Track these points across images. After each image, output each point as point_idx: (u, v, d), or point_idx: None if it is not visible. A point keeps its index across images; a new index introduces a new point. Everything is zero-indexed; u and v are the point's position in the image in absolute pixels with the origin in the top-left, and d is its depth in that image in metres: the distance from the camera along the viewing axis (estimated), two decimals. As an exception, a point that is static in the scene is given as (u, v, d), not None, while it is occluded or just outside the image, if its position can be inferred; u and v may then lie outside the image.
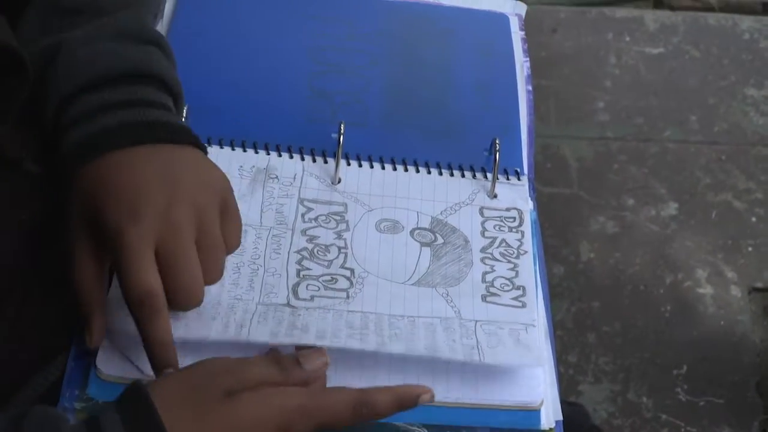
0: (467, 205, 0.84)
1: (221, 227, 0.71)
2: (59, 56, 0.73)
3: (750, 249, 1.91)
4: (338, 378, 0.70)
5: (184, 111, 0.81)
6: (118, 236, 0.65)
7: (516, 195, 0.85)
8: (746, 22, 2.30)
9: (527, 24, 1.00)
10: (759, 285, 1.86)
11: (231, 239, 0.72)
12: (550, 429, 0.72)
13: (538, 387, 0.73)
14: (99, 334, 0.69)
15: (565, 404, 0.75)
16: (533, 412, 0.72)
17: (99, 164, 0.68)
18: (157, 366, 0.66)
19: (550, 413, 0.73)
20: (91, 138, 0.70)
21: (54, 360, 0.70)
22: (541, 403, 0.72)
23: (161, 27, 0.91)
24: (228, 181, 0.73)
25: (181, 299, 0.67)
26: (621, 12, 2.28)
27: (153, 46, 0.76)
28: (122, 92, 0.72)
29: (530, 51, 0.97)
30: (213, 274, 0.69)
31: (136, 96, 0.72)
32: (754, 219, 1.96)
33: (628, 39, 2.23)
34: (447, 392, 0.72)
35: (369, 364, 0.72)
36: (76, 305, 0.69)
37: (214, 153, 0.82)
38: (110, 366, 0.69)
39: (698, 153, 2.05)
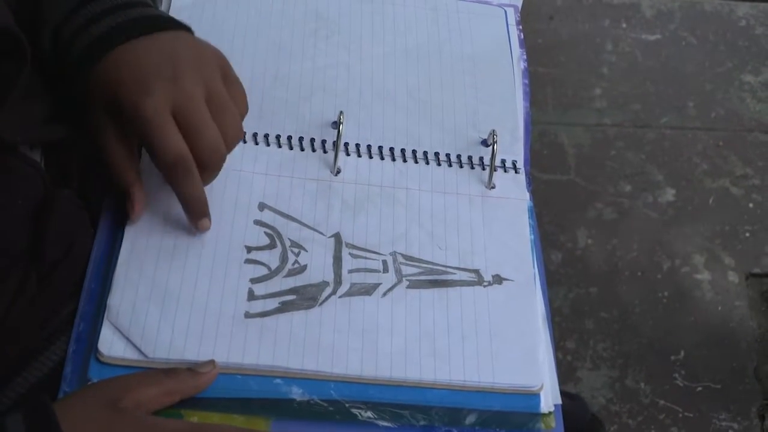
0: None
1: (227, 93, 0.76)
2: None
3: (747, 235, 1.91)
4: (339, 350, 0.72)
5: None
6: (136, 110, 0.70)
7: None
8: (742, 8, 2.30)
9: (524, 11, 1.00)
10: (756, 270, 1.87)
11: (239, 103, 0.77)
12: (549, 412, 0.73)
13: (538, 371, 0.74)
14: (140, 204, 0.76)
15: (565, 396, 0.76)
16: (533, 396, 0.73)
17: (105, 62, 0.72)
18: (194, 217, 0.75)
19: (549, 397, 0.74)
20: (91, 45, 0.74)
21: (51, 346, 0.70)
22: (541, 387, 0.73)
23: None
24: (223, 55, 0.78)
25: (207, 157, 0.72)
26: (618, -1, 2.29)
27: None
28: (104, 2, 0.76)
29: (527, 38, 0.97)
30: (232, 135, 0.75)
31: (118, 2, 0.76)
32: (751, 205, 1.96)
33: (624, 26, 2.24)
34: (449, 375, 0.72)
35: (371, 340, 0.74)
36: (116, 184, 0.75)
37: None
38: (111, 349, 0.69)
39: (695, 139, 2.05)
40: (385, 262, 0.78)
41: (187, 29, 0.78)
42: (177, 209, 0.76)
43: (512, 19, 0.98)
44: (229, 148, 0.74)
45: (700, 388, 1.72)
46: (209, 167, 0.73)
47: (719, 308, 1.82)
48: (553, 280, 1.80)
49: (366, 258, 0.78)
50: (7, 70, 0.68)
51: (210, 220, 0.76)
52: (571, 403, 1.46)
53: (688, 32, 2.24)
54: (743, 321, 1.81)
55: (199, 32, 0.89)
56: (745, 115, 2.11)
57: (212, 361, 0.70)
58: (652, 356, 1.75)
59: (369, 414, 0.70)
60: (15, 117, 0.70)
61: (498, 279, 0.79)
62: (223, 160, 0.74)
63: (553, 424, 0.72)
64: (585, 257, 1.86)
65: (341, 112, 0.83)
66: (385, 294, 0.76)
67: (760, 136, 2.07)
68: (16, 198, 0.69)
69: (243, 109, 0.78)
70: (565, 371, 1.71)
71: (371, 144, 0.85)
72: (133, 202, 0.75)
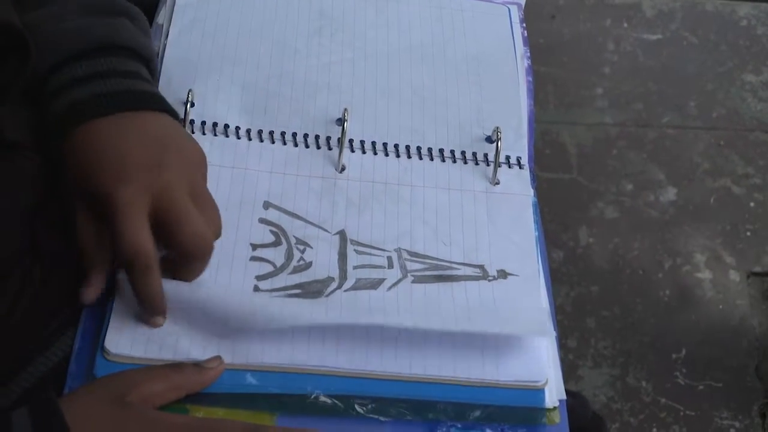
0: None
1: None
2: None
3: (748, 234, 1.92)
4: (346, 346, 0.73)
5: (189, 96, 0.83)
6: (108, 200, 0.66)
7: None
8: (744, 8, 2.31)
9: (525, 10, 1.00)
10: (757, 269, 1.87)
11: None
12: (554, 407, 0.73)
13: (543, 366, 0.74)
14: (94, 291, 0.70)
15: (567, 395, 0.76)
16: (537, 391, 0.73)
17: (79, 134, 0.69)
18: (148, 314, 0.70)
19: (554, 392, 0.74)
20: (66, 112, 0.70)
21: (56, 342, 0.70)
22: (546, 383, 0.73)
23: (163, 18, 0.91)
24: (205, 156, 0.74)
25: (191, 247, 0.68)
26: (619, -2, 2.29)
27: (122, 17, 0.77)
28: (91, 65, 0.72)
29: (529, 37, 0.97)
30: (214, 231, 0.71)
31: (106, 67, 0.73)
32: (752, 204, 1.96)
33: (626, 25, 2.24)
34: (454, 370, 0.73)
35: (376, 335, 0.74)
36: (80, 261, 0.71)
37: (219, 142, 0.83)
38: (118, 346, 0.69)
39: (697, 138, 2.05)
40: (390, 258, 0.79)
41: (174, 114, 0.75)
42: None
43: (516, 16, 0.98)
44: (215, 238, 0.71)
45: (701, 387, 1.72)
46: (195, 257, 0.70)
47: (720, 307, 1.82)
48: (554, 278, 1.80)
49: (371, 254, 0.79)
50: (12, 66, 0.68)
51: (165, 317, 0.71)
52: (572, 401, 1.45)
53: (690, 32, 2.24)
54: (744, 320, 1.81)
55: (204, 29, 0.90)
56: (747, 114, 2.11)
57: (218, 357, 0.70)
58: (653, 354, 1.75)
59: (373, 409, 0.70)
60: (16, 115, 0.70)
61: (503, 274, 0.79)
62: (209, 252, 0.70)
63: (558, 419, 0.72)
64: (586, 256, 1.86)
65: (345, 109, 0.83)
66: (390, 289, 0.77)
67: (761, 135, 2.08)
68: (17, 194, 0.69)
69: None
70: (566, 369, 1.71)
71: (376, 141, 0.86)
72: (86, 286, 0.70)
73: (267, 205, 0.80)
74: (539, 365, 0.74)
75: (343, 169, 0.83)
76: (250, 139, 0.83)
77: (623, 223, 1.91)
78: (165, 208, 0.67)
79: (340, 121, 0.84)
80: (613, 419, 1.68)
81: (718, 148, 2.04)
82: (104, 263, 0.71)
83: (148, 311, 0.70)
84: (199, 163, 0.73)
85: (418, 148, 0.86)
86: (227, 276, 0.74)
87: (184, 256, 0.69)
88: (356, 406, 0.70)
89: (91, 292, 0.70)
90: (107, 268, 0.71)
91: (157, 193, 0.67)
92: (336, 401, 0.70)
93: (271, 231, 0.78)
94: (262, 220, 0.79)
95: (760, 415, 1.71)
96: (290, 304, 0.73)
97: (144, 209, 0.66)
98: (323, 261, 0.77)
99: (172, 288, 0.71)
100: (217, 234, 0.72)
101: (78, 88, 0.71)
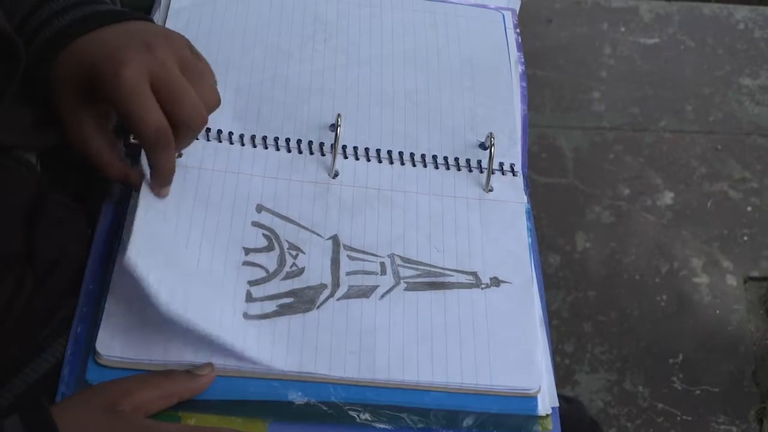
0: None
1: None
2: None
3: (745, 238, 1.91)
4: (336, 352, 0.73)
5: None
6: (114, 82, 0.69)
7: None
8: (741, 12, 2.31)
9: (522, 14, 1.00)
10: (755, 274, 1.87)
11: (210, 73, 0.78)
12: (547, 415, 0.73)
13: (536, 374, 0.74)
14: (141, 181, 0.76)
15: (563, 400, 0.76)
16: (530, 399, 0.73)
17: (74, 46, 0.73)
18: (160, 185, 0.75)
19: (547, 400, 0.74)
20: (59, 33, 0.74)
21: (48, 348, 0.70)
22: (539, 390, 0.73)
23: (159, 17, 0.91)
24: (188, 41, 0.78)
25: (188, 120, 0.72)
26: (616, 2, 2.28)
27: None
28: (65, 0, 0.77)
29: (525, 41, 0.97)
30: (210, 100, 0.75)
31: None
32: (749, 208, 1.96)
33: (623, 29, 2.24)
34: (446, 377, 0.72)
35: (368, 343, 0.74)
36: (100, 174, 0.76)
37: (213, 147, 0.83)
38: (109, 350, 0.69)
39: (694, 143, 2.05)
40: (383, 264, 0.78)
41: (152, 21, 0.79)
42: (175, 210, 0.76)
43: (510, 22, 0.98)
44: (209, 112, 0.74)
45: (698, 392, 1.72)
46: (191, 130, 0.73)
47: (717, 312, 1.82)
48: (551, 283, 1.80)
49: (364, 260, 0.78)
50: (3, 70, 0.68)
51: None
52: (569, 406, 1.45)
53: (687, 36, 2.24)
54: (741, 324, 1.81)
55: (198, 33, 0.90)
56: (744, 118, 2.11)
57: (210, 364, 0.70)
58: (650, 359, 1.75)
59: (366, 416, 0.70)
60: (8, 119, 0.70)
61: (496, 281, 0.79)
62: (205, 123, 0.73)
63: (550, 427, 0.72)
64: (583, 260, 1.86)
65: (339, 115, 0.83)
66: (382, 296, 0.76)
67: (758, 139, 2.07)
68: (10, 198, 0.69)
69: (213, 78, 0.79)
70: (563, 374, 1.71)
71: (369, 147, 0.85)
72: (138, 185, 0.75)
73: (260, 209, 0.79)
74: (532, 372, 0.74)
75: (336, 174, 0.83)
76: (243, 145, 0.83)
77: (620, 227, 1.91)
78: (163, 84, 0.70)
79: (334, 127, 0.84)
80: (609, 424, 1.68)
81: (715, 152, 2.04)
82: (121, 158, 0.76)
83: (162, 182, 0.75)
84: (183, 41, 0.77)
85: (412, 155, 0.86)
86: (220, 280, 0.74)
87: (182, 128, 0.72)
88: (349, 413, 0.70)
89: (136, 176, 0.76)
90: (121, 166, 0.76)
91: (154, 71, 0.70)
92: (329, 409, 0.70)
93: (264, 235, 0.78)
94: (254, 224, 0.78)
95: (757, 420, 1.70)
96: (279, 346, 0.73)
97: (148, 86, 0.70)
98: (316, 267, 0.77)
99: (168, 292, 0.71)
100: (211, 107, 0.75)
101: (64, 16, 0.75)
